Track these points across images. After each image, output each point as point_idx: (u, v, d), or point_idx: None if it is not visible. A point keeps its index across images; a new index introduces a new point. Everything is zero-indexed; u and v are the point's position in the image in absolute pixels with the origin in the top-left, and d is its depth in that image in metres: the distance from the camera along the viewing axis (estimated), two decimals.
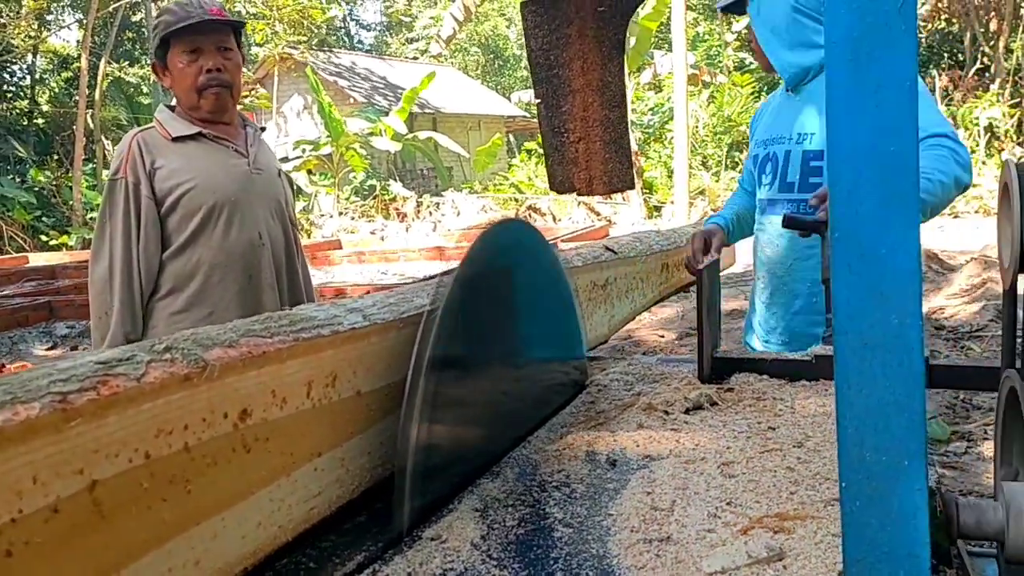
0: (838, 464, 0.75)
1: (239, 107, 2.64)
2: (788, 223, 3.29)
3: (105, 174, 21.08)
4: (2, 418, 0.74)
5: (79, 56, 21.70)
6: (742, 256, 4.24)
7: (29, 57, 25.45)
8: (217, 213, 2.41)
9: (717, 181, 19.88)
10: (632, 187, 2.23)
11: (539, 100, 2.12)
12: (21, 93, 25.67)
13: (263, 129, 2.73)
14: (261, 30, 22.09)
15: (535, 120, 26.95)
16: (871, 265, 0.71)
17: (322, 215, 18.67)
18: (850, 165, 0.71)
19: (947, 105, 18.31)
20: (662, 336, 7.19)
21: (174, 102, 2.56)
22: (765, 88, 21.18)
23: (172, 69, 2.45)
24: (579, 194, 2.21)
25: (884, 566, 0.74)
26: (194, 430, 0.94)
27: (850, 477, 0.74)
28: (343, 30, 42.28)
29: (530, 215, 17.84)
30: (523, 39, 2.17)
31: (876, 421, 0.73)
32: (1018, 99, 18.11)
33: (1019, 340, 1.46)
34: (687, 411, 1.71)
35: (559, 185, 2.14)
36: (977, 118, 17.52)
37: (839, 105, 0.71)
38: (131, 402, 0.86)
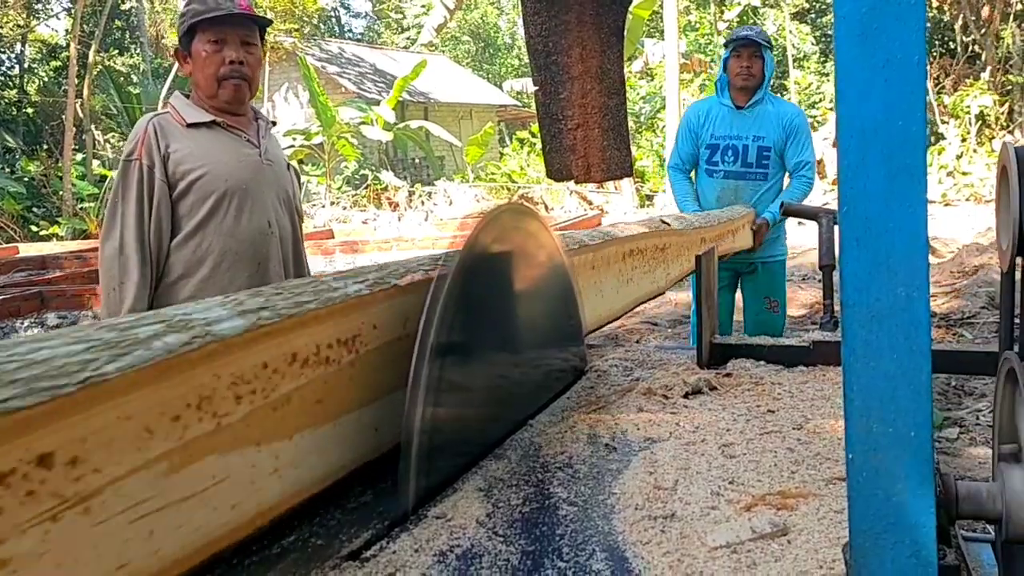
0: (845, 436, 0.76)
1: None
2: (787, 212, 3.63)
3: (96, 164, 21.00)
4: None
5: (68, 45, 21.57)
6: None
7: (17, 46, 25.30)
8: (228, 199, 2.43)
9: None
10: (631, 175, 2.24)
11: (537, 87, 2.11)
12: (10, 83, 25.54)
13: (274, 123, 2.76)
14: None
15: (527, 109, 26.89)
16: (879, 238, 0.72)
17: (313, 205, 18.63)
18: (858, 139, 0.72)
19: (938, 93, 18.35)
20: (656, 325, 7.21)
21: (171, 88, 2.56)
22: None
23: (195, 57, 2.48)
24: (577, 182, 2.21)
25: (890, 536, 0.75)
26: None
27: (857, 448, 0.75)
28: (334, 18, 42.13)
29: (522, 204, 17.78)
30: (516, 27, 2.17)
31: (883, 393, 0.74)
32: (1008, 87, 18.16)
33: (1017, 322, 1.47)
34: (686, 395, 1.72)
35: (556, 173, 2.14)
36: (968, 106, 17.56)
37: (848, 80, 0.71)
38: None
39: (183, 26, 2.49)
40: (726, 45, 4.33)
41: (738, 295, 4.50)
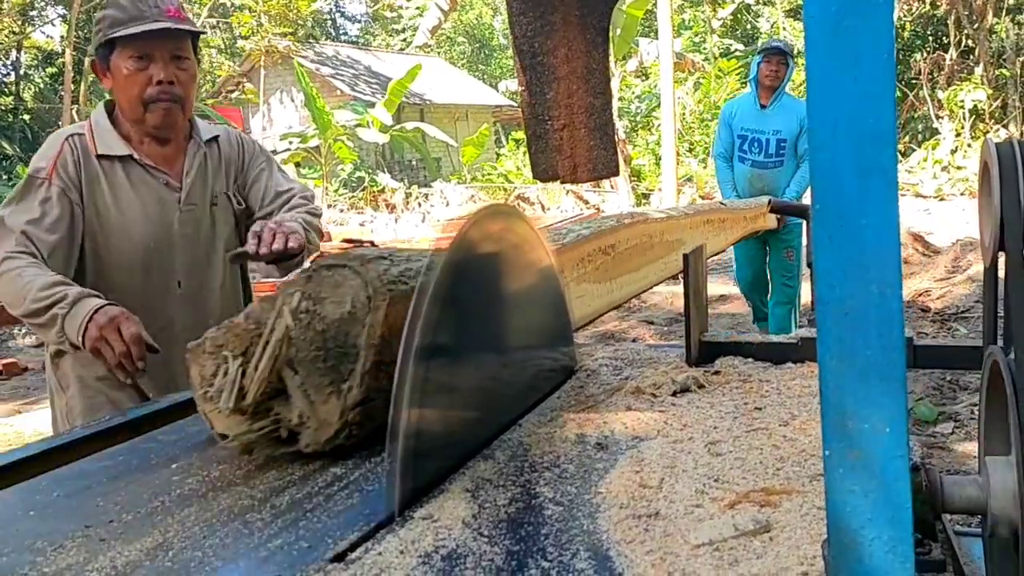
0: (822, 432, 0.76)
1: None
2: (775, 208, 3.97)
3: None
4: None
5: (63, 51, 21.57)
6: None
7: (13, 53, 25.29)
8: (131, 257, 2.19)
9: (704, 168, 19.92)
10: (617, 174, 2.24)
11: (523, 87, 2.11)
12: (6, 90, 25.54)
13: (216, 138, 2.39)
14: (247, 22, 21.98)
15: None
16: (851, 235, 0.72)
17: None
18: (830, 137, 0.72)
19: (932, 88, 18.36)
20: (652, 323, 7.21)
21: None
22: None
23: (115, 73, 2.15)
24: (563, 182, 2.21)
25: (867, 531, 0.76)
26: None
27: (833, 445, 0.76)
28: (329, 21, 42.12)
29: (518, 204, 17.83)
30: (508, 27, 2.18)
31: (857, 389, 0.74)
32: (1002, 81, 18.18)
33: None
34: (674, 393, 1.72)
35: (542, 173, 2.14)
36: (962, 101, 17.58)
37: (818, 78, 0.72)
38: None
39: (99, 35, 2.15)
40: (759, 53, 5.79)
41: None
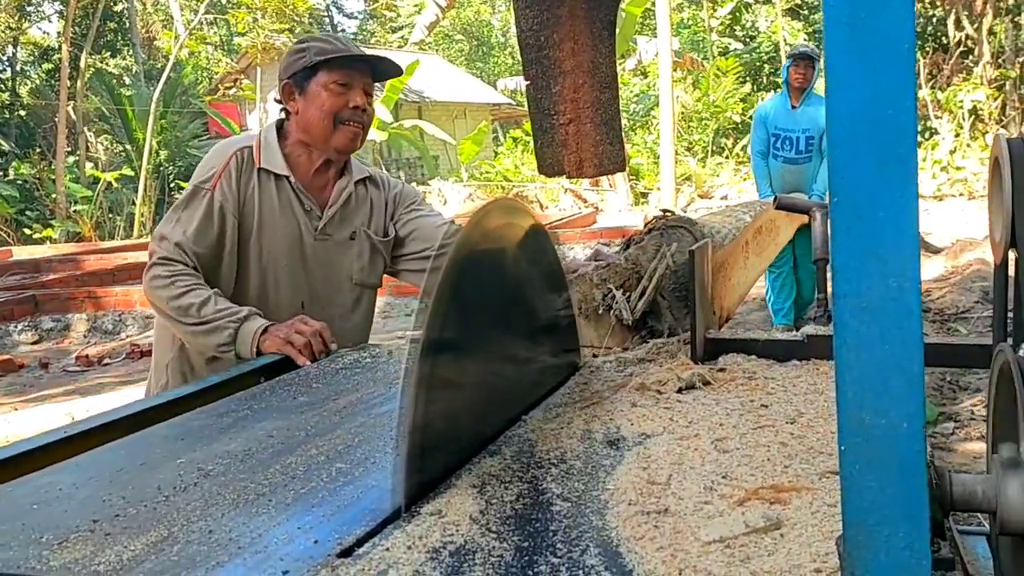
0: (837, 427, 0.75)
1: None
2: (780, 205, 4.06)
3: (89, 167, 20.90)
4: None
5: (60, 47, 21.51)
6: None
7: (9, 49, 25.24)
8: (264, 270, 2.37)
9: (703, 167, 19.92)
10: (624, 169, 2.24)
11: (528, 82, 2.11)
12: (2, 86, 25.47)
13: (365, 179, 2.57)
14: (242, 19, 21.93)
15: (521, 107, 26.85)
16: (870, 228, 0.71)
17: None
18: (848, 129, 0.71)
19: (932, 88, 18.36)
20: None
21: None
22: (748, 73, 21.34)
23: (311, 95, 2.36)
24: (569, 177, 2.20)
25: (884, 528, 0.75)
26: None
27: (849, 440, 0.75)
28: (326, 18, 42.07)
29: None
30: (509, 25, 2.17)
31: (875, 384, 0.73)
32: (1001, 81, 18.19)
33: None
34: (680, 390, 1.71)
35: (548, 168, 2.13)
36: (961, 101, 17.58)
37: (837, 69, 0.71)
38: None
39: (302, 61, 2.38)
40: (788, 58, 6.41)
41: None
